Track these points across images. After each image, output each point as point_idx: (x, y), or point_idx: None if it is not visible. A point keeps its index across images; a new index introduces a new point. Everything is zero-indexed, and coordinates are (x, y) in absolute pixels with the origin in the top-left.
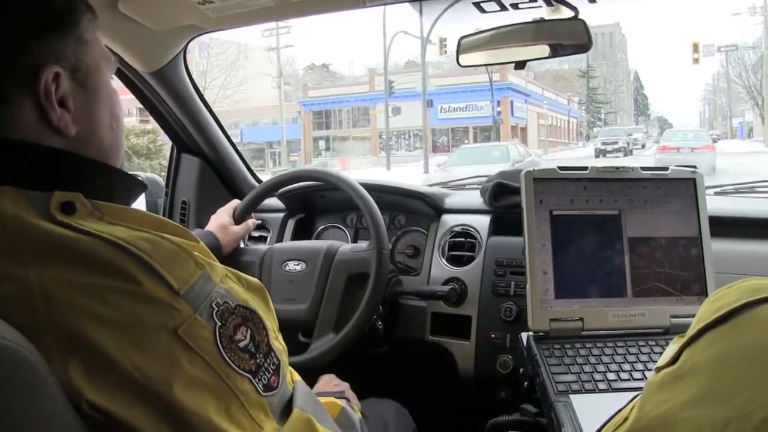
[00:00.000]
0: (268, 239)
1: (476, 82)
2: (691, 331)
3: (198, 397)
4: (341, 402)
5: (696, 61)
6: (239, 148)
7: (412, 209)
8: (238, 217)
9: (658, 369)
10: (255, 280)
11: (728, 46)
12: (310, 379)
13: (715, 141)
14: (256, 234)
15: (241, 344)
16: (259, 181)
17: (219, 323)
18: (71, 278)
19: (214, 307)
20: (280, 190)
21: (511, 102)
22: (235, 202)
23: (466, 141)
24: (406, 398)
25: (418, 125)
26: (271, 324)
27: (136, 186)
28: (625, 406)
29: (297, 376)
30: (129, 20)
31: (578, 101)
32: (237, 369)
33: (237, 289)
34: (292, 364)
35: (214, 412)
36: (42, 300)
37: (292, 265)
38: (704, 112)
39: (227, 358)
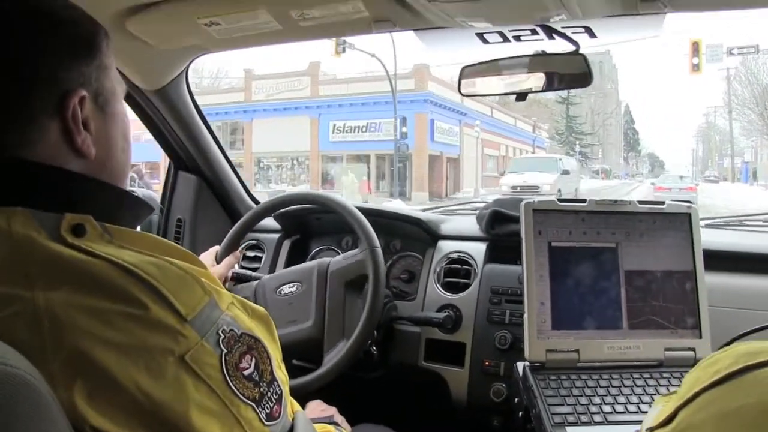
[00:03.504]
0: (263, 260)
1: (381, 91)
2: (687, 393)
3: (204, 423)
4: (333, 429)
5: (696, 68)
6: None
7: (408, 234)
8: (220, 258)
9: (651, 429)
10: (260, 308)
11: (744, 48)
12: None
13: (715, 181)
14: (251, 254)
15: (246, 372)
16: (255, 200)
17: (225, 350)
18: (79, 301)
19: (221, 334)
20: (260, 221)
21: (431, 121)
22: (216, 248)
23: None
24: (399, 424)
25: (303, 149)
26: (275, 353)
27: (144, 208)
28: None
29: (297, 407)
30: (135, 39)
31: (555, 130)
32: (241, 397)
33: (243, 317)
34: (308, 382)
35: None
36: (48, 322)
37: (287, 289)
38: (697, 150)
39: (232, 386)
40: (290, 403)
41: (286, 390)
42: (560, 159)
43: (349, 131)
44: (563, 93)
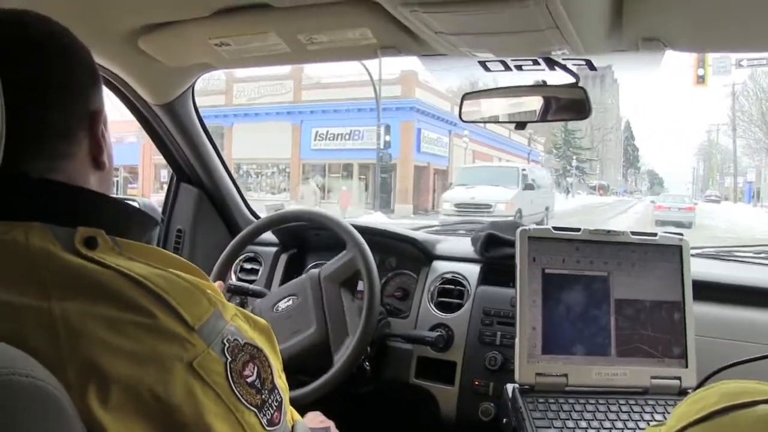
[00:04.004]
0: (260, 273)
1: (366, 98)
2: (674, 427)
3: (216, 426)
4: None
5: (701, 81)
6: None
7: (403, 253)
8: (217, 271)
9: None
10: (262, 320)
11: (754, 60)
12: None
13: (716, 201)
14: (248, 266)
15: (249, 380)
16: (254, 214)
17: (229, 359)
18: (92, 310)
19: (225, 343)
20: (258, 236)
21: (418, 130)
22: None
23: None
24: None
25: (284, 157)
26: (276, 363)
27: (150, 222)
28: None
29: (297, 416)
30: (146, 55)
31: (553, 144)
32: (245, 403)
33: (246, 328)
34: (322, 384)
35: None
36: (64, 331)
37: (283, 304)
38: (698, 169)
39: (236, 392)
40: (290, 412)
41: (286, 398)
42: (524, 170)
43: (332, 139)
44: None
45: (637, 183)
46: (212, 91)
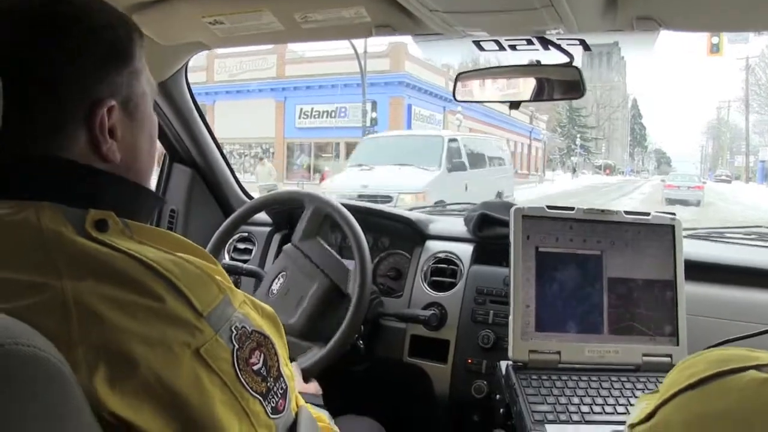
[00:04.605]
0: (253, 252)
1: (353, 72)
2: (665, 394)
3: (221, 413)
4: (325, 417)
5: (715, 50)
6: None
7: (397, 233)
8: (212, 247)
9: (632, 425)
10: (268, 307)
11: None
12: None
13: (727, 181)
14: (241, 246)
15: (255, 367)
16: (247, 194)
17: (237, 346)
18: (104, 292)
19: (233, 330)
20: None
21: (408, 106)
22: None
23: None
24: (383, 417)
25: (268, 136)
26: (282, 351)
27: (159, 203)
28: None
29: (302, 402)
30: None
31: (557, 122)
32: (250, 390)
33: (254, 315)
34: (317, 361)
35: (231, 429)
36: (76, 310)
37: (276, 285)
38: (706, 147)
39: (242, 380)
40: (294, 398)
41: (291, 385)
42: (452, 140)
43: (317, 116)
44: None
45: (644, 162)
46: (193, 67)
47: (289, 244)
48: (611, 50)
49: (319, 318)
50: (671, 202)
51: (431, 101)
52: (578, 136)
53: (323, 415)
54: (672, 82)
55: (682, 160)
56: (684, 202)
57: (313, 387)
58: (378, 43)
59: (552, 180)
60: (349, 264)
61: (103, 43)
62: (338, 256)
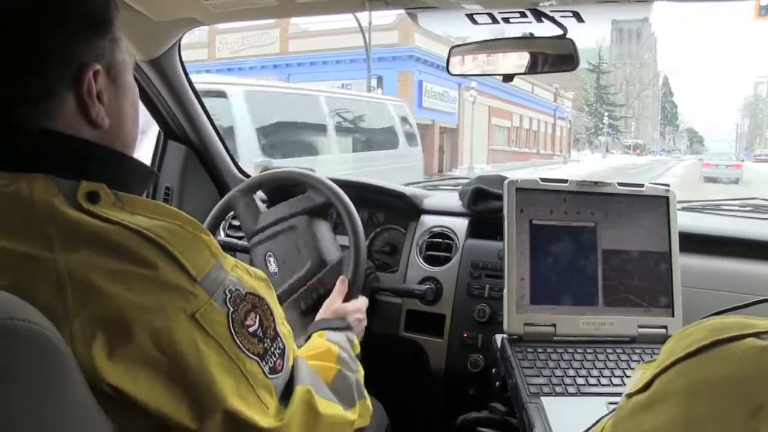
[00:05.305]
0: None
1: (359, 46)
2: (662, 363)
3: (218, 376)
4: (337, 365)
5: (764, 11)
6: None
7: (391, 208)
8: (209, 224)
9: (629, 395)
10: (259, 271)
11: None
12: None
13: (767, 161)
14: (236, 223)
15: (251, 329)
16: (242, 172)
17: (231, 309)
18: (97, 263)
19: (227, 293)
20: None
21: (419, 82)
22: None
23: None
24: (379, 392)
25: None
26: (278, 311)
27: (151, 176)
28: (594, 425)
29: (297, 351)
30: (131, 9)
31: (584, 100)
32: (247, 352)
33: (246, 278)
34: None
35: (229, 391)
36: (70, 282)
37: (271, 259)
38: (742, 125)
39: (238, 342)
40: (293, 358)
41: (289, 344)
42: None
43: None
44: (593, 59)
45: (675, 141)
46: (193, 44)
47: (285, 221)
48: (641, 27)
49: (315, 292)
50: (709, 180)
51: (445, 77)
52: (606, 114)
53: (334, 347)
54: (706, 57)
55: (715, 139)
56: (722, 180)
57: (362, 301)
58: (386, 14)
59: (578, 161)
60: (344, 240)
61: (83, 9)
62: (333, 235)
